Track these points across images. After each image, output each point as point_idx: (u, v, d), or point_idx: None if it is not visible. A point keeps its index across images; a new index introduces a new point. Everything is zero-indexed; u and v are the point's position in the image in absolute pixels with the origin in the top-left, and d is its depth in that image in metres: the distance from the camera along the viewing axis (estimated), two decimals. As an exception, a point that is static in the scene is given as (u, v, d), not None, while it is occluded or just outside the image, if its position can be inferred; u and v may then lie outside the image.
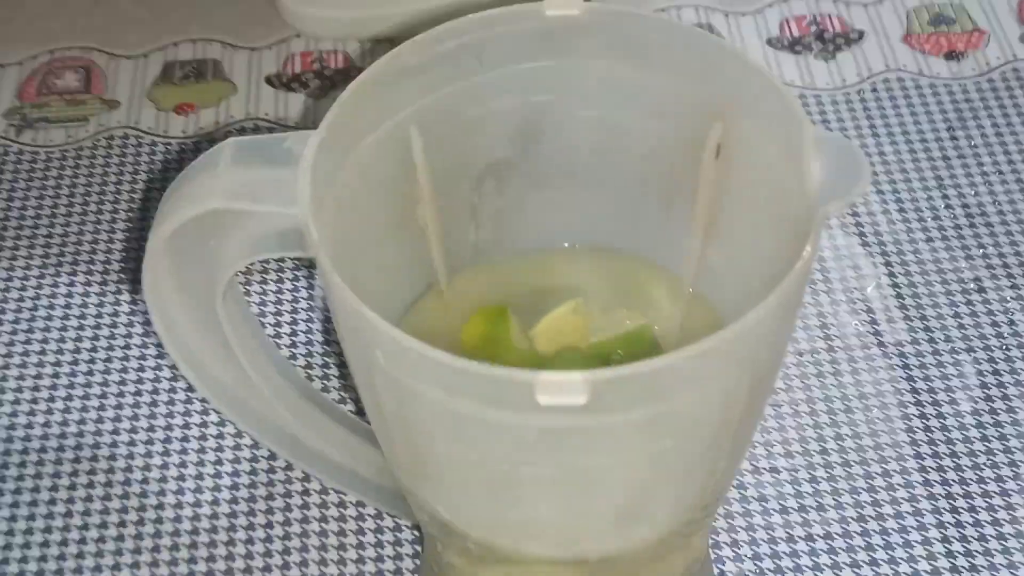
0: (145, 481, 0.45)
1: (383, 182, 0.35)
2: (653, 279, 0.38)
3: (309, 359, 0.48)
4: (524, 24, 0.34)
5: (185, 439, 0.46)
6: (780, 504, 0.44)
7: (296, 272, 0.50)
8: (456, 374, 0.27)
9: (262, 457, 0.45)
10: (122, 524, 0.44)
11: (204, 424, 0.46)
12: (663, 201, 0.37)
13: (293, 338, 0.48)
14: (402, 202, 0.36)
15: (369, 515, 0.43)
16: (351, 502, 0.43)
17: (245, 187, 0.30)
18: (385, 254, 0.36)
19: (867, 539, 0.43)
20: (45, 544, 0.43)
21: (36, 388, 0.48)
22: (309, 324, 0.49)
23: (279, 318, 0.49)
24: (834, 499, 0.44)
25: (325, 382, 0.48)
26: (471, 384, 0.27)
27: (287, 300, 0.50)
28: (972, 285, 0.50)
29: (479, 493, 0.32)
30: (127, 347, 0.49)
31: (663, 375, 0.27)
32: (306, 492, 0.44)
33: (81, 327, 0.50)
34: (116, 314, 0.50)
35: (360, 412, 0.46)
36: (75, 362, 0.49)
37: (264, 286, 0.50)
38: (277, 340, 0.48)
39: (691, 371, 0.28)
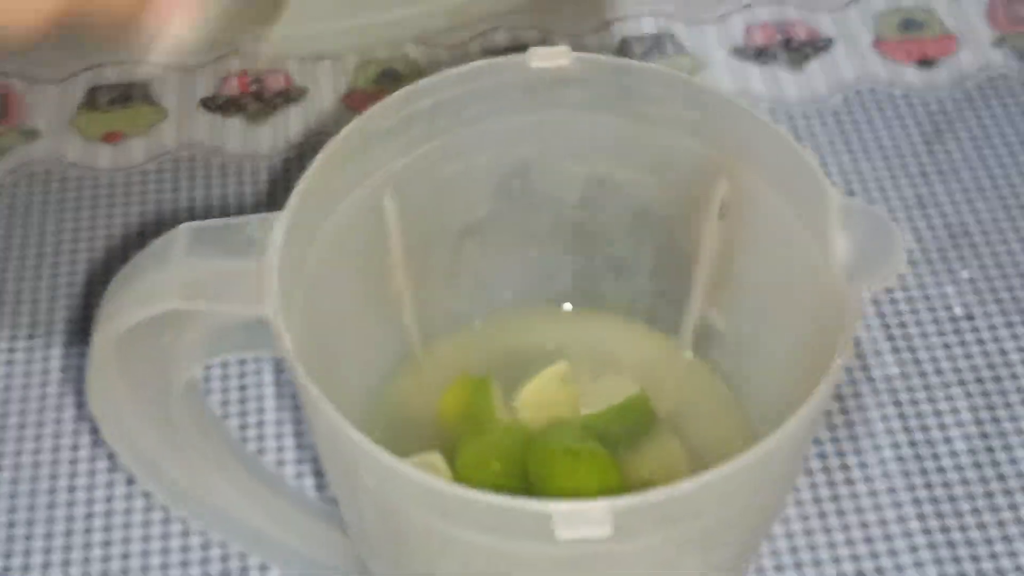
0: None
1: (355, 254, 0.31)
2: (645, 343, 0.35)
3: (261, 445, 0.44)
4: (507, 78, 0.31)
5: (127, 530, 0.42)
6: (775, 562, 0.41)
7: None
8: (461, 504, 0.24)
9: (214, 544, 0.41)
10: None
11: (148, 508, 0.42)
12: (658, 261, 0.34)
13: (243, 413, 0.44)
14: (375, 273, 0.32)
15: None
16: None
17: (203, 284, 0.27)
18: (358, 327, 0.33)
19: (868, 595, 0.41)
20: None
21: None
22: (280, 414, 0.45)
23: (227, 397, 0.45)
24: (830, 552, 0.42)
25: (279, 454, 0.44)
26: (479, 515, 0.24)
27: (252, 384, 0.46)
28: (960, 311, 0.48)
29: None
30: (59, 407, 0.45)
31: (692, 498, 0.24)
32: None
33: (7, 387, 0.46)
34: (47, 371, 0.46)
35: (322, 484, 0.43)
36: (2, 433, 0.45)
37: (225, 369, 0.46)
38: (225, 410, 0.44)
39: (720, 491, 0.25)
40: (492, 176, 0.33)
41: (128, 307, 0.27)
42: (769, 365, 0.31)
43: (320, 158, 0.29)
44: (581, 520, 0.23)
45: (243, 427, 0.44)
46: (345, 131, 0.29)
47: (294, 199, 0.28)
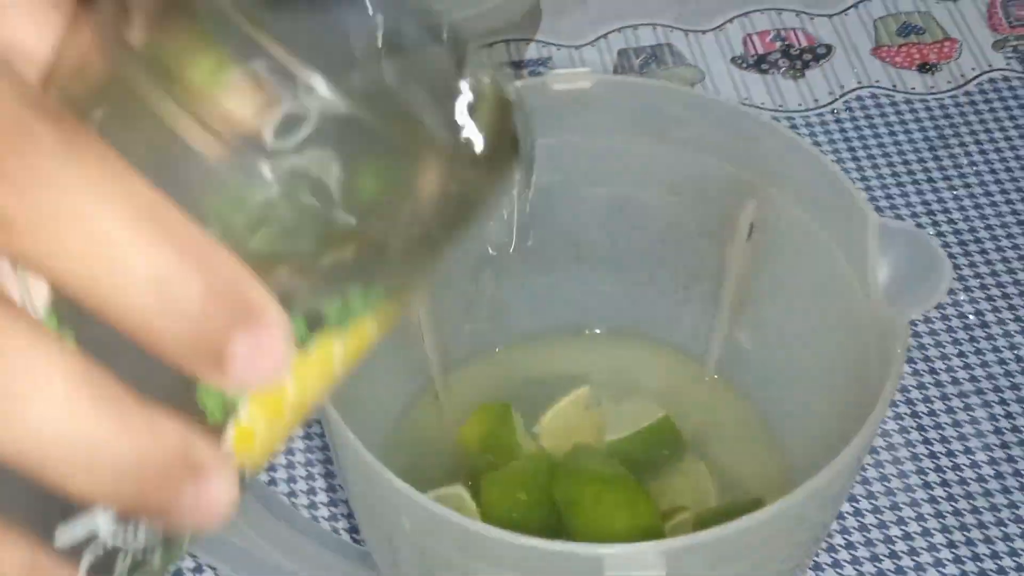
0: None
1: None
2: (670, 365, 0.35)
3: (291, 484, 0.43)
4: (528, 101, 0.30)
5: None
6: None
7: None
8: (508, 548, 0.23)
9: None
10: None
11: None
12: (682, 283, 0.33)
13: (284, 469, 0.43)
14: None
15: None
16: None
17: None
18: (378, 358, 0.32)
19: (895, 612, 0.40)
20: None
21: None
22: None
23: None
24: (855, 568, 0.41)
25: (312, 500, 0.43)
26: (526, 559, 0.23)
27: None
28: (974, 320, 0.47)
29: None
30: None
31: (741, 538, 0.24)
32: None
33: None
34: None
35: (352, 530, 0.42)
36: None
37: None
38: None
39: (770, 530, 0.24)
40: (510, 204, 0.32)
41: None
42: (800, 388, 0.30)
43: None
44: (633, 563, 0.22)
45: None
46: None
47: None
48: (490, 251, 0.32)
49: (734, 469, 0.33)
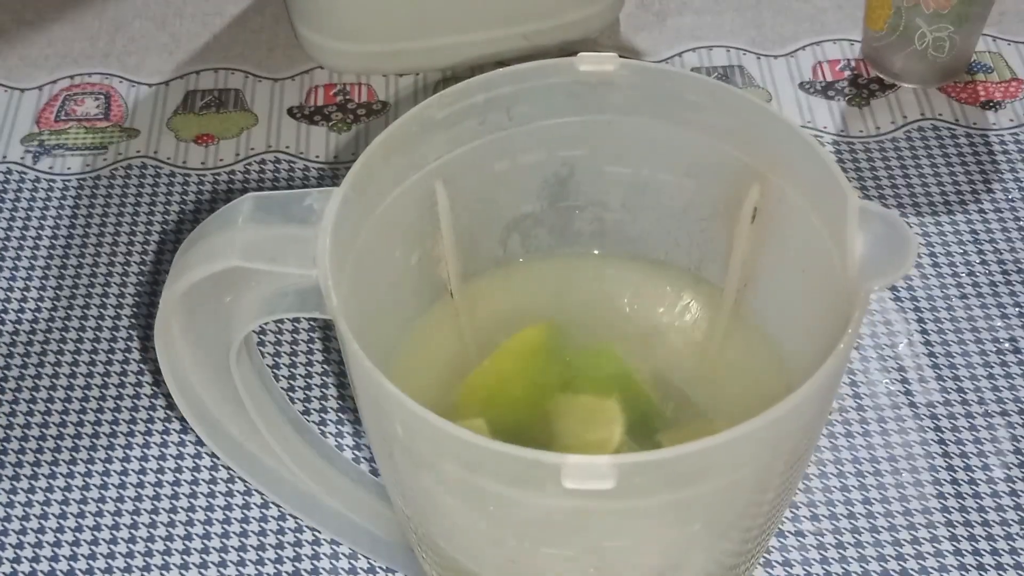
0: (153, 520, 0.44)
1: (405, 238, 0.34)
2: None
3: (323, 414, 0.47)
4: (556, 79, 0.33)
5: (178, 474, 0.45)
6: (805, 570, 0.43)
7: (313, 323, 0.49)
8: (479, 453, 0.26)
9: (272, 504, 0.44)
10: (130, 555, 0.43)
11: (213, 471, 0.45)
12: (693, 262, 0.36)
13: (307, 392, 0.47)
14: (424, 259, 0.35)
15: (380, 568, 0.42)
16: (362, 557, 0.42)
17: (264, 246, 0.29)
18: (406, 312, 0.35)
19: (894, 610, 0.41)
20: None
21: (44, 424, 0.47)
22: (324, 378, 0.48)
23: (293, 370, 0.48)
24: (861, 566, 0.43)
25: (339, 439, 0.46)
26: (495, 463, 0.26)
27: (302, 352, 0.48)
28: (1007, 345, 0.48)
29: (493, 555, 0.31)
30: (138, 384, 0.48)
31: (693, 460, 0.26)
32: (317, 542, 0.43)
33: (92, 363, 0.49)
34: (128, 350, 0.49)
35: (370, 461, 0.45)
36: (85, 398, 0.48)
37: (279, 336, 0.49)
38: (291, 393, 0.47)
39: (723, 456, 0.26)
40: (538, 173, 0.35)
41: (194, 263, 0.30)
42: (791, 360, 0.32)
43: (379, 139, 0.31)
44: (587, 472, 0.25)
45: (291, 389, 0.47)
46: (404, 117, 0.31)
47: (351, 174, 0.30)
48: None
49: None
